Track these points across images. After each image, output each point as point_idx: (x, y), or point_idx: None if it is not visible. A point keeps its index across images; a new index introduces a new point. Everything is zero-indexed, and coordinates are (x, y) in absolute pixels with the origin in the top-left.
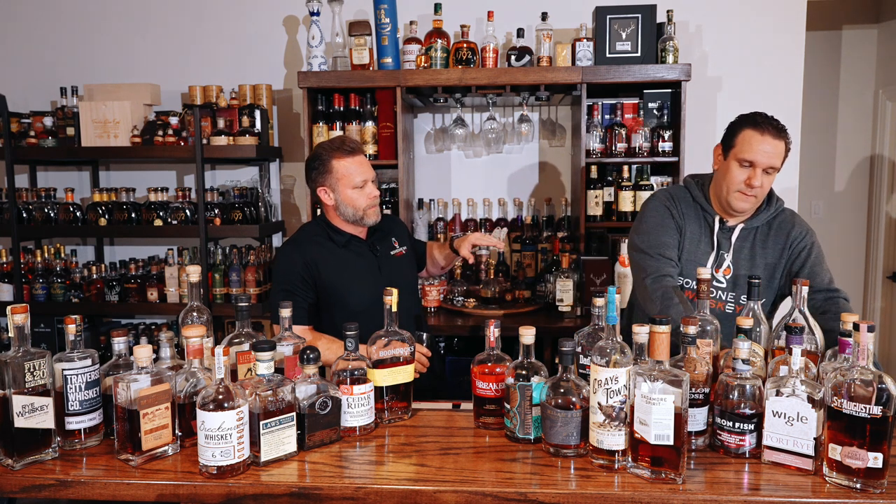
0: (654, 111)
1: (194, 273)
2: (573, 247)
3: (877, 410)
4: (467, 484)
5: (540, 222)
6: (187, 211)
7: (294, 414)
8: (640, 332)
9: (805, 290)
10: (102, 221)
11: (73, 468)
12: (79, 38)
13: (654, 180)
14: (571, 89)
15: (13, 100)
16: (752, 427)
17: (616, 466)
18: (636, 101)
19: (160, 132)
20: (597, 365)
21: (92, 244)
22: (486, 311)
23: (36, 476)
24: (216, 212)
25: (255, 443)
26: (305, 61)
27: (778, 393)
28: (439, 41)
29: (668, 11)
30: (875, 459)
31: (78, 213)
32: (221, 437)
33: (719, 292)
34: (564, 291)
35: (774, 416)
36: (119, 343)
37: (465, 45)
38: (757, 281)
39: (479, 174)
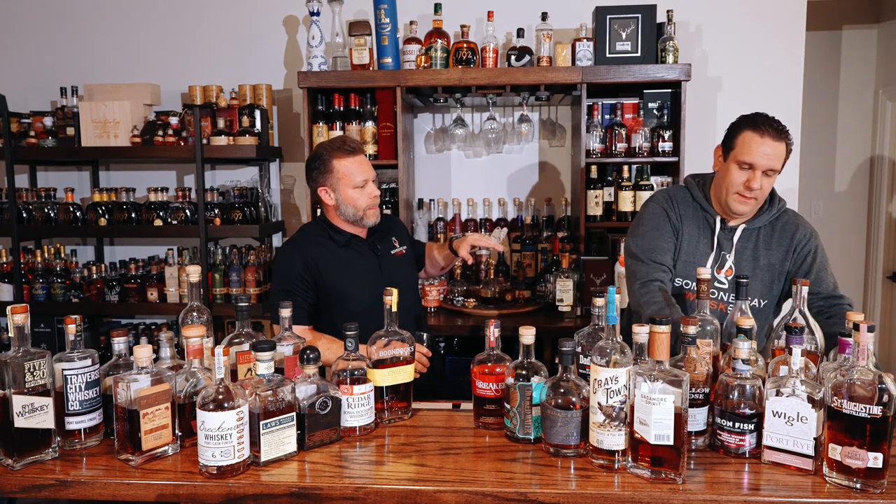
0: (654, 111)
1: (194, 273)
2: (573, 247)
3: (877, 410)
4: (467, 484)
5: (540, 222)
6: (187, 211)
7: (294, 414)
8: (640, 332)
9: (805, 290)
10: (102, 221)
11: (73, 468)
12: (79, 38)
13: (654, 180)
14: (571, 89)
15: (13, 100)
16: (752, 427)
17: (616, 466)
18: (636, 101)
19: (160, 132)
20: (597, 365)
21: (92, 244)
22: (486, 311)
23: (36, 476)
24: (216, 212)
25: (255, 443)
26: (305, 61)
27: (778, 393)
28: (439, 41)
29: (668, 11)
30: (875, 459)
31: (78, 213)
32: (221, 437)
33: (721, 293)
34: (564, 291)
35: (774, 416)
36: (119, 343)
37: (465, 45)
38: (745, 280)
39: (479, 174)
